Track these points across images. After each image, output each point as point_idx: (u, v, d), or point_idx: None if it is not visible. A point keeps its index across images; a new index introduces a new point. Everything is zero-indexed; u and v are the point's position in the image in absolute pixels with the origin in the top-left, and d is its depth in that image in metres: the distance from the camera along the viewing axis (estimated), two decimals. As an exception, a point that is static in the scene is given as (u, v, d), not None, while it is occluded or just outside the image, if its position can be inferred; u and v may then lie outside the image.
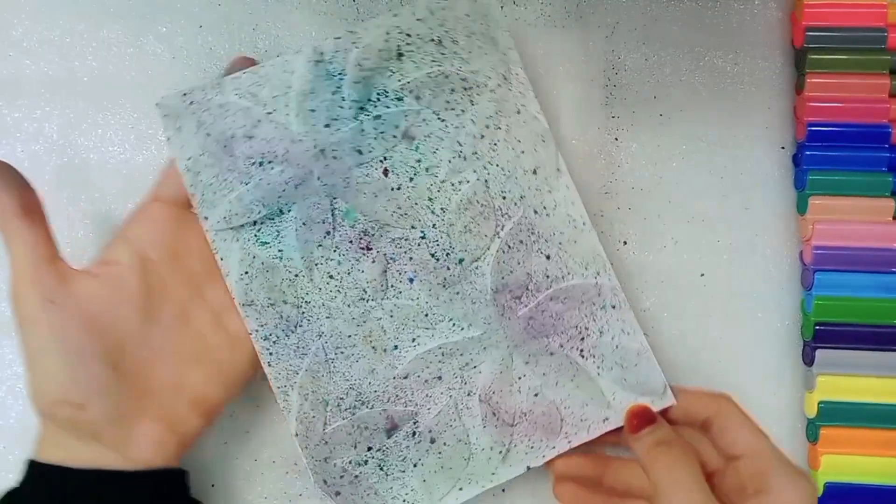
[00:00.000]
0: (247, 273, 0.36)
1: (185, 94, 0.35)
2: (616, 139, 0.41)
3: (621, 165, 0.41)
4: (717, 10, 0.42)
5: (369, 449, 0.36)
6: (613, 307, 0.37)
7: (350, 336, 0.36)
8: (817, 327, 0.38)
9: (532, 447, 0.36)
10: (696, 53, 0.41)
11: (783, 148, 0.41)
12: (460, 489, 0.36)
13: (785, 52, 0.41)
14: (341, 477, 0.36)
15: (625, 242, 0.41)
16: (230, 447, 0.39)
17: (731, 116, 0.41)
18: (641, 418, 0.35)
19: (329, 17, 0.42)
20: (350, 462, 0.36)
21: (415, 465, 0.36)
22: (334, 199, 0.36)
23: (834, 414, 0.38)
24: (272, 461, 0.39)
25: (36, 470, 0.32)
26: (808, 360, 0.39)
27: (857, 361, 0.38)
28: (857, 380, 0.38)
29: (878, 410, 0.38)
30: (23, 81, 0.41)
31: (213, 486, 0.39)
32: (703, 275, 0.40)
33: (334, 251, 0.36)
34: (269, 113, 0.35)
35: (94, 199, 0.40)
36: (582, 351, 0.37)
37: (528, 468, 0.36)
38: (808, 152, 0.39)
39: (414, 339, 0.36)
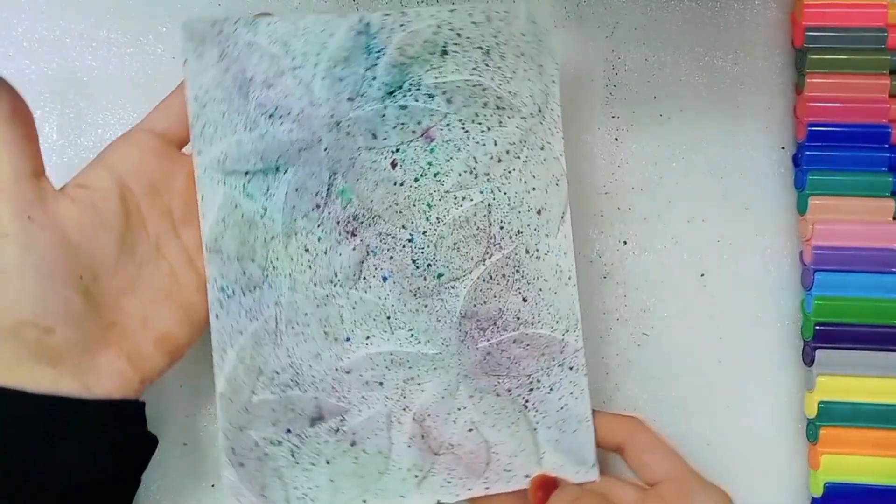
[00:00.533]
0: (224, 220, 0.34)
1: (215, 22, 0.34)
2: (616, 139, 0.41)
3: (621, 165, 0.41)
4: (717, 10, 0.42)
5: (288, 431, 0.34)
6: (571, 368, 0.36)
7: (306, 314, 0.35)
8: (817, 327, 0.38)
9: (449, 482, 0.35)
10: (696, 53, 0.41)
11: (783, 148, 0.41)
12: (364, 501, 0.35)
13: (785, 52, 0.41)
14: (251, 450, 0.34)
15: (625, 242, 0.41)
16: (230, 447, 0.39)
17: (731, 116, 0.41)
18: (546, 488, 0.35)
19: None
20: (264, 438, 0.34)
21: (327, 462, 0.35)
22: (334, 174, 0.35)
23: (834, 414, 0.38)
24: (272, 461, 0.39)
25: None
26: (808, 360, 0.39)
27: (857, 361, 0.38)
28: (857, 380, 0.38)
29: (877, 410, 0.37)
30: (23, 81, 0.41)
31: (212, 486, 0.39)
32: (703, 275, 0.40)
33: (318, 226, 0.35)
34: (296, 68, 0.34)
35: (95, 198, 0.40)
36: (528, 402, 0.36)
37: (438, 503, 0.35)
38: (808, 152, 0.39)
39: (368, 338, 0.35)
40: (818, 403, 0.38)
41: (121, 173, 0.34)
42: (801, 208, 0.40)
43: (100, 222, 0.33)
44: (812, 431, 0.38)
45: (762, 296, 0.40)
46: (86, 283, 0.32)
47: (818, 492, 0.38)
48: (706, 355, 0.40)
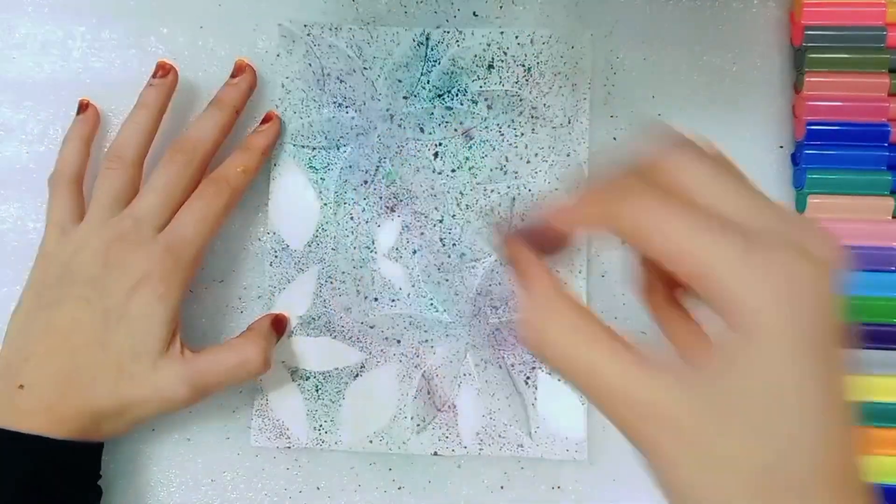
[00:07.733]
0: (289, 185, 0.40)
1: (306, 25, 0.41)
2: (615, 139, 0.41)
3: (619, 164, 0.41)
4: (716, 10, 0.42)
5: (313, 372, 0.40)
6: None
7: (344, 272, 0.40)
8: (816, 326, 0.38)
9: (447, 437, 0.39)
10: (695, 53, 0.41)
11: (782, 147, 0.41)
12: (370, 441, 0.39)
13: (784, 51, 0.41)
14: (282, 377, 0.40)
15: (623, 241, 0.40)
16: (232, 442, 0.40)
17: (729, 115, 0.41)
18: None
19: (329, 18, 0.42)
20: (296, 371, 0.40)
21: (344, 399, 0.39)
22: (383, 158, 0.40)
23: (833, 413, 0.38)
24: (273, 457, 0.40)
25: None
26: (807, 358, 0.39)
27: (857, 360, 0.38)
28: (857, 379, 0.38)
29: (877, 409, 0.37)
30: (27, 83, 0.42)
31: (212, 480, 0.39)
32: (701, 274, 0.40)
33: (364, 199, 0.40)
34: (366, 69, 0.41)
35: (97, 198, 0.41)
36: (528, 379, 0.39)
37: (436, 454, 0.39)
38: (806, 151, 0.39)
39: (393, 300, 0.40)
40: (817, 402, 0.38)
41: None
42: (800, 207, 0.39)
43: None
44: (811, 430, 0.38)
45: (761, 295, 0.40)
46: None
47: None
48: (705, 354, 0.40)
